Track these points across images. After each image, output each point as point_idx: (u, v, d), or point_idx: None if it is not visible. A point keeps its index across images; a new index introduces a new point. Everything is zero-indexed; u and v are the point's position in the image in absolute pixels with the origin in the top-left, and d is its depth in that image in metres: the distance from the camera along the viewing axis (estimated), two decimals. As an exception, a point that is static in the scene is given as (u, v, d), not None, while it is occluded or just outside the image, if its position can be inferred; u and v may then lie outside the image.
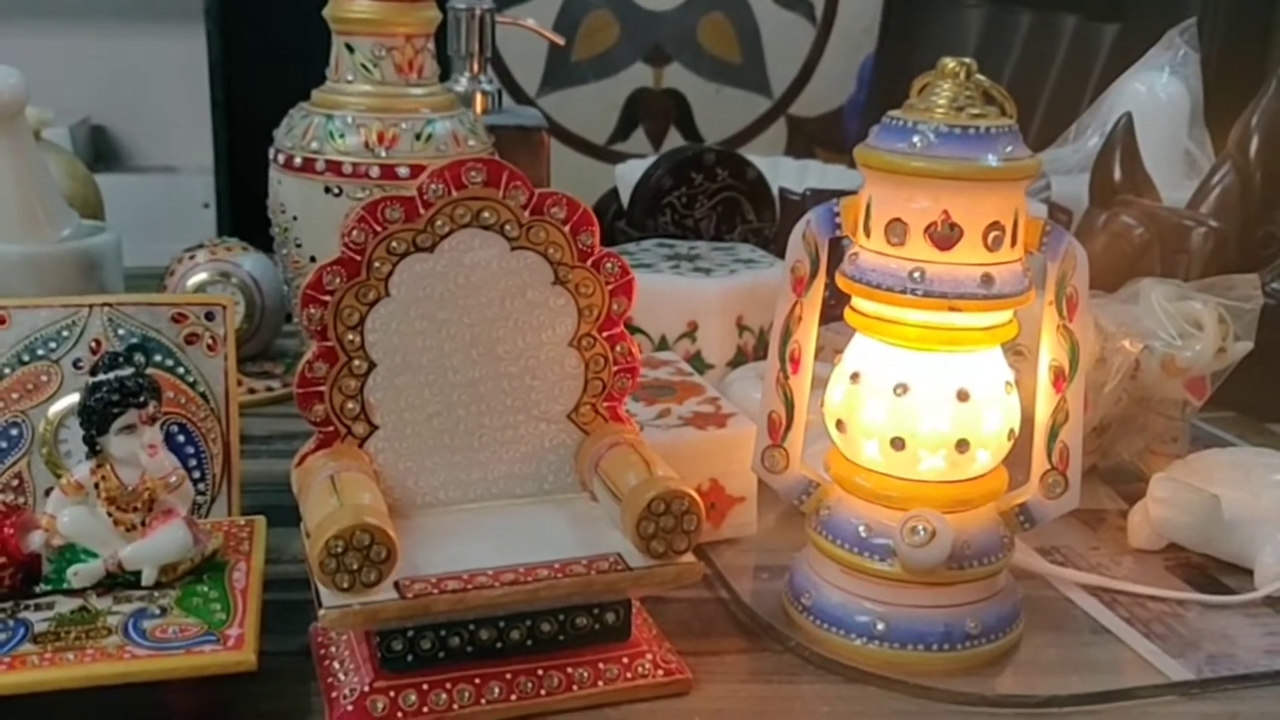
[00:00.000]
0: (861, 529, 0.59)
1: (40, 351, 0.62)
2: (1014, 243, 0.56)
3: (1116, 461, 0.80)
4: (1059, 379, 0.58)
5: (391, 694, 0.52)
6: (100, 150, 2.15)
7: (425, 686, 0.53)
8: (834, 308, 0.61)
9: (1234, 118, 0.98)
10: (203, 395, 0.64)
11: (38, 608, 0.51)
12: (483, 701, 0.53)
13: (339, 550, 0.49)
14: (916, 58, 1.88)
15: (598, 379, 0.59)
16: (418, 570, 0.52)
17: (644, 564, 0.54)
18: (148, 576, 0.53)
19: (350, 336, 0.55)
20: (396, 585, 0.51)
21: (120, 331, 0.63)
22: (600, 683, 0.55)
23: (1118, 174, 0.99)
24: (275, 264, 0.86)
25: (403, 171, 0.73)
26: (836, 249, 0.59)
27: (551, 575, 0.52)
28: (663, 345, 0.83)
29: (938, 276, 0.55)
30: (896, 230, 0.55)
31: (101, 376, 0.52)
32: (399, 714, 0.52)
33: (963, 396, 0.57)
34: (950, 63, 0.56)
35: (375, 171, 0.73)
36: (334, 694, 0.53)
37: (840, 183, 1.14)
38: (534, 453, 0.59)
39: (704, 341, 0.83)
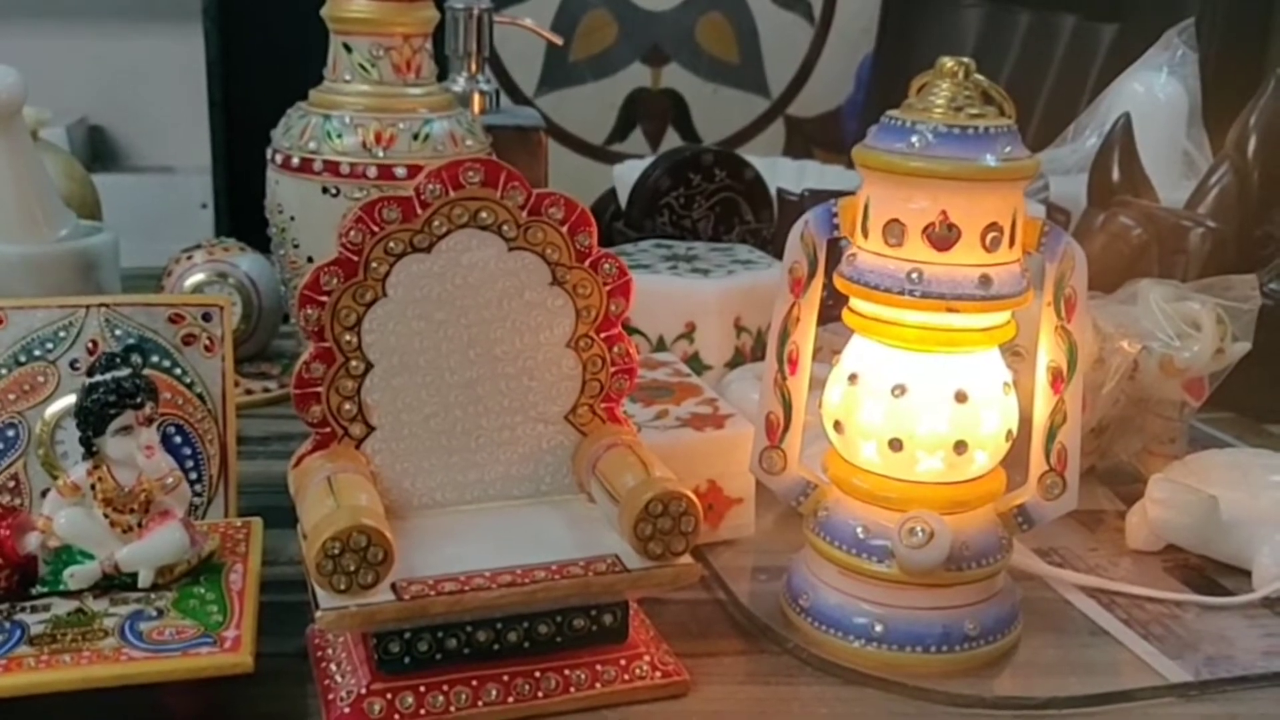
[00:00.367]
0: (859, 530, 0.59)
1: (37, 352, 0.62)
2: (1012, 243, 0.56)
3: (1114, 462, 0.80)
4: (1057, 380, 0.57)
5: (388, 696, 0.52)
6: (98, 150, 2.15)
7: (422, 688, 0.52)
8: (832, 308, 0.61)
9: (1232, 118, 0.98)
10: (200, 396, 0.64)
11: (34, 610, 0.51)
12: (480, 703, 0.53)
13: (336, 552, 0.49)
14: (915, 58, 1.88)
15: (595, 380, 0.59)
16: (415, 572, 0.52)
17: (641, 565, 0.53)
18: (144, 578, 0.53)
19: (347, 337, 0.55)
20: (393, 587, 0.50)
21: (117, 332, 0.63)
22: (598, 684, 0.55)
23: (1116, 174, 0.99)
24: (272, 264, 0.86)
25: (400, 171, 0.73)
26: (834, 250, 0.59)
27: (549, 577, 0.52)
28: (660, 346, 0.83)
29: (936, 277, 0.55)
30: (894, 231, 0.55)
31: (98, 377, 0.52)
32: (396, 716, 0.52)
33: (961, 398, 0.56)
34: (949, 62, 0.56)
35: (373, 171, 0.73)
36: (331, 696, 0.53)
37: (838, 183, 1.14)
38: (531, 454, 0.59)
39: (702, 342, 0.83)
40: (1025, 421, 0.59)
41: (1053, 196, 1.06)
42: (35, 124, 0.88)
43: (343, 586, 0.49)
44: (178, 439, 0.63)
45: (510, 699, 0.53)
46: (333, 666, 0.55)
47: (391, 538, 0.50)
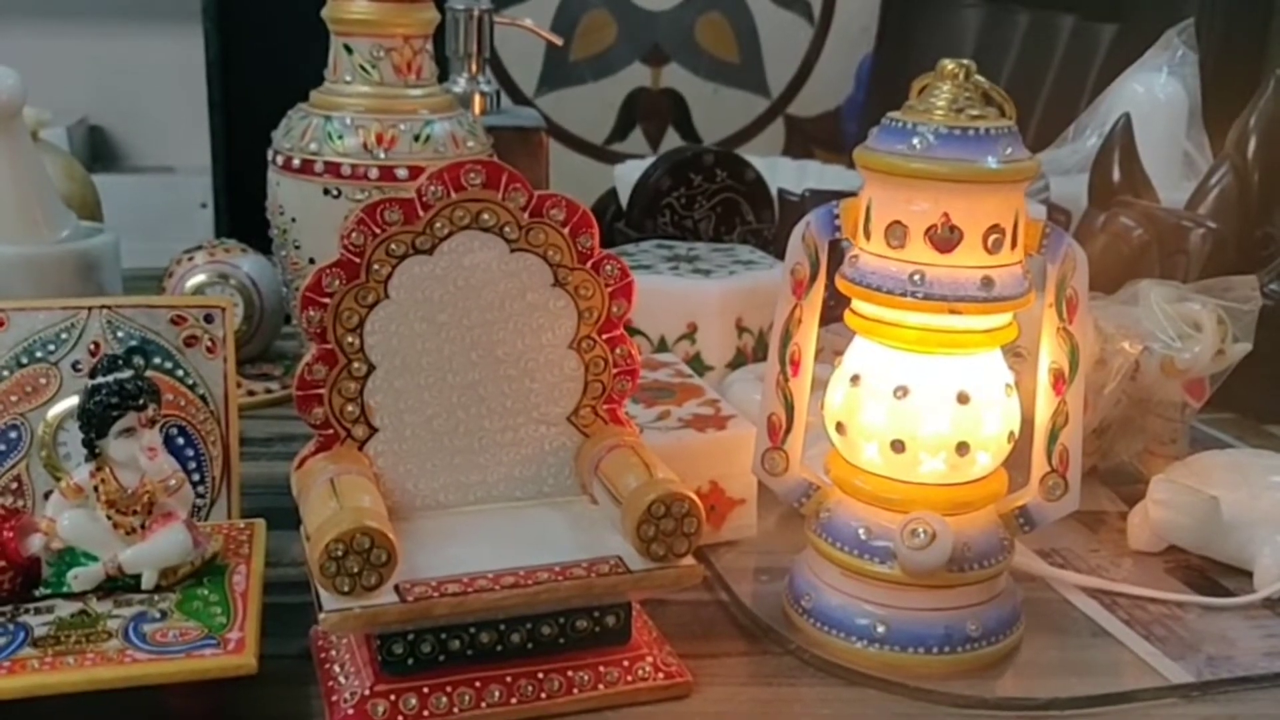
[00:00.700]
0: (861, 531, 0.59)
1: (39, 354, 0.62)
2: (1014, 245, 0.56)
3: (1116, 463, 0.80)
4: (1059, 381, 0.58)
5: (392, 697, 0.52)
6: (97, 150, 2.15)
7: (426, 690, 0.53)
8: (834, 309, 0.61)
9: (1232, 118, 0.98)
10: (202, 398, 0.64)
11: (37, 611, 0.51)
12: (483, 705, 0.53)
13: (339, 554, 0.49)
14: (914, 57, 1.88)
15: (597, 381, 0.59)
16: (418, 573, 0.52)
17: (644, 567, 0.54)
18: (148, 580, 0.53)
19: (350, 339, 0.55)
20: (397, 588, 0.51)
21: (119, 334, 0.63)
22: (600, 686, 0.55)
23: (1116, 175, 0.99)
24: (274, 265, 0.86)
25: (401, 173, 0.73)
26: (836, 251, 0.59)
27: (552, 578, 0.52)
28: (662, 347, 0.83)
29: (938, 279, 0.55)
30: (896, 233, 0.55)
31: (101, 379, 0.52)
32: (399, 717, 0.52)
33: (963, 399, 0.57)
34: (949, 64, 0.56)
35: (374, 173, 0.73)
36: (334, 697, 0.53)
37: (838, 183, 1.14)
38: (534, 455, 0.59)
39: (703, 343, 0.83)
40: (1027, 423, 0.59)
41: (1053, 197, 1.06)
42: (36, 125, 0.88)
43: (346, 588, 0.49)
44: (180, 440, 0.63)
45: (513, 700, 0.53)
46: (336, 668, 0.55)
47: (395, 539, 0.50)
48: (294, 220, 0.76)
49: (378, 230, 0.54)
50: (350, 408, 0.55)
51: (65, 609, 0.51)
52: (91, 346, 0.63)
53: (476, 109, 1.00)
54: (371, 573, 0.49)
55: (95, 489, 0.52)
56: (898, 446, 0.57)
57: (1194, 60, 1.16)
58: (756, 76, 2.33)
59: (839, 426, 0.59)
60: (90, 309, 0.63)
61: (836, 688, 0.57)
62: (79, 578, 0.52)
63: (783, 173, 1.18)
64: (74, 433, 0.56)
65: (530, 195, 0.55)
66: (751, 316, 0.84)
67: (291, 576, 0.62)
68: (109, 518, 0.52)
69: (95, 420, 0.52)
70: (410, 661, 0.52)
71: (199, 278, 0.89)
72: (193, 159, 2.07)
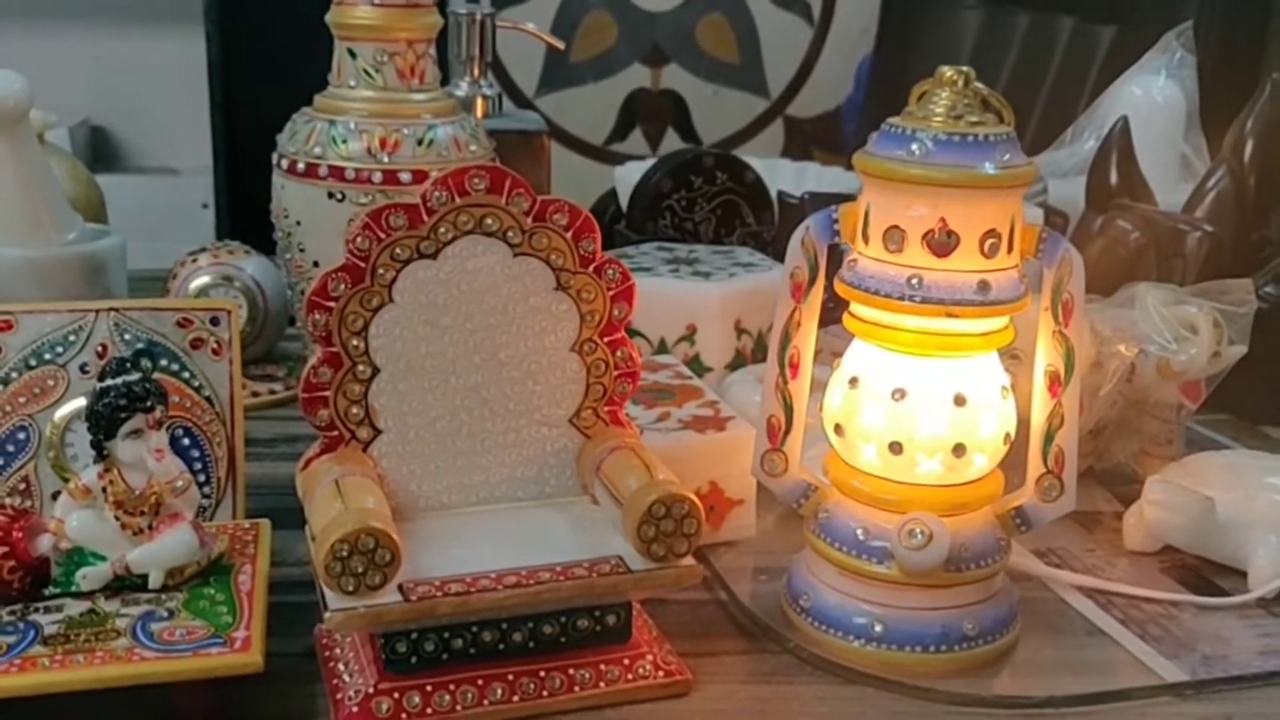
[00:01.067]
0: (859, 532, 0.59)
1: (47, 356, 0.63)
2: (1010, 249, 0.57)
3: (1112, 464, 0.80)
4: (1054, 384, 0.58)
5: (396, 695, 0.53)
6: (99, 151, 2.15)
7: (429, 688, 0.53)
8: (833, 311, 0.62)
9: (1229, 121, 0.98)
10: (208, 399, 0.64)
11: (47, 610, 0.52)
12: (485, 702, 0.54)
13: (344, 554, 0.49)
14: (914, 58, 1.88)
15: (599, 384, 0.59)
16: (421, 573, 0.52)
17: (644, 567, 0.54)
18: (155, 579, 0.53)
19: (354, 342, 0.55)
20: (400, 588, 0.51)
21: (126, 336, 0.64)
22: (601, 684, 0.55)
23: (1114, 178, 0.99)
24: (278, 267, 0.87)
25: (405, 177, 0.74)
26: (835, 254, 0.60)
27: (553, 578, 0.53)
28: (662, 348, 0.84)
29: (935, 283, 0.56)
30: (894, 237, 0.56)
31: (109, 382, 0.53)
32: (403, 715, 0.53)
33: (960, 401, 0.57)
34: (948, 70, 0.56)
35: (378, 177, 0.74)
36: (339, 695, 0.54)
37: (838, 185, 1.15)
38: (536, 456, 0.59)
39: (703, 345, 0.84)
40: (1023, 424, 0.60)
41: (1051, 199, 1.07)
42: (41, 127, 0.88)
43: (350, 588, 0.50)
44: (186, 442, 0.64)
45: (515, 698, 0.54)
46: (340, 666, 0.55)
47: (398, 539, 0.50)
48: (298, 223, 0.77)
49: (383, 235, 0.54)
50: (355, 410, 0.56)
51: (74, 608, 0.52)
52: (99, 349, 0.63)
53: (479, 113, 1.01)
54: (376, 573, 0.50)
55: (103, 490, 0.53)
56: (895, 448, 0.58)
57: (1192, 63, 1.17)
58: (756, 77, 2.33)
59: (837, 428, 0.60)
60: (98, 312, 0.64)
61: (834, 686, 0.58)
62: (87, 577, 0.53)
63: (782, 175, 1.19)
64: (81, 434, 0.57)
65: (533, 200, 0.56)
66: (751, 318, 0.85)
67: (296, 576, 0.63)
68: (117, 518, 0.53)
69: (103, 422, 0.53)
70: (414, 660, 0.53)
71: (203, 279, 0.89)
72: (194, 160, 2.08)
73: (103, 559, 0.53)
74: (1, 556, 0.52)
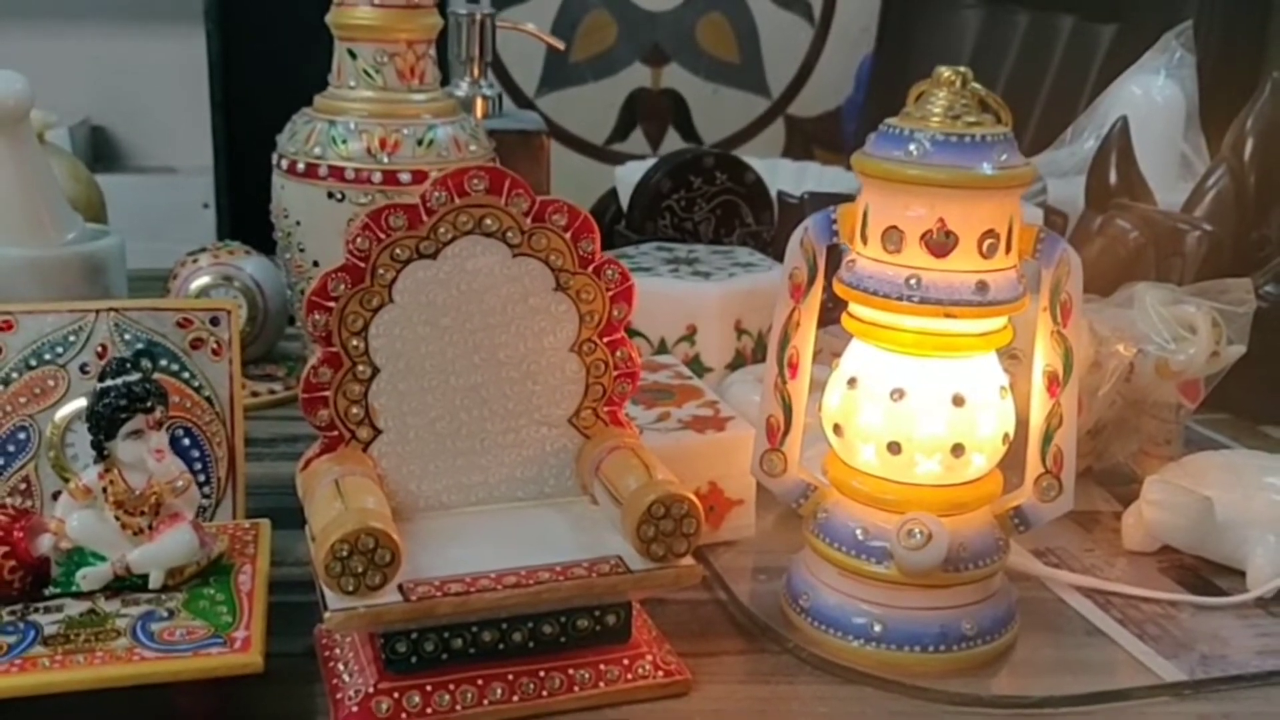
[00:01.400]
0: (858, 532, 0.60)
1: (47, 356, 0.63)
2: (1009, 250, 0.57)
3: (1111, 463, 0.80)
4: (1053, 384, 0.58)
5: (395, 695, 0.53)
6: (99, 151, 2.15)
7: (429, 688, 0.53)
8: (832, 311, 0.62)
9: (1229, 121, 0.99)
10: (208, 400, 0.64)
11: (47, 610, 0.52)
12: (485, 702, 0.54)
13: (344, 554, 0.50)
14: (914, 58, 1.89)
15: (598, 384, 0.59)
16: (421, 573, 0.52)
17: (644, 566, 0.54)
18: (155, 579, 0.53)
19: (354, 342, 0.55)
20: (400, 588, 0.51)
21: (126, 336, 0.64)
22: (601, 684, 0.56)
23: (1113, 177, 0.99)
24: (277, 267, 0.87)
25: (404, 177, 0.74)
26: (835, 254, 0.60)
27: (553, 578, 0.53)
28: (662, 348, 0.84)
29: (933, 283, 0.56)
30: (893, 237, 0.56)
31: (109, 382, 0.53)
32: (403, 715, 0.53)
33: (958, 401, 0.57)
34: (946, 71, 0.56)
35: (377, 177, 0.74)
36: (339, 695, 0.54)
37: (838, 185, 1.15)
38: (535, 456, 0.59)
39: (703, 345, 0.84)
40: (1022, 424, 0.60)
41: (1050, 199, 1.07)
42: (42, 127, 0.88)
43: (350, 588, 0.50)
44: (186, 442, 0.64)
45: (515, 698, 0.54)
46: (340, 666, 0.55)
47: (398, 539, 0.50)
48: (298, 224, 0.77)
49: (382, 235, 0.54)
50: (355, 410, 0.56)
51: (74, 608, 0.52)
52: (99, 349, 0.63)
53: (479, 113, 1.01)
54: (375, 573, 0.50)
55: (104, 490, 0.53)
56: (894, 448, 0.58)
57: (1192, 63, 1.17)
58: (757, 77, 2.33)
59: (836, 428, 0.60)
60: (98, 312, 0.64)
61: (833, 685, 0.58)
62: (88, 577, 0.53)
63: (782, 175, 1.19)
64: (81, 434, 0.57)
65: (533, 201, 0.56)
66: (750, 319, 0.85)
67: (296, 576, 0.63)
68: (117, 518, 0.53)
69: (104, 422, 0.53)
70: (413, 660, 0.53)
71: (203, 280, 0.89)
72: (195, 159, 2.08)
73: (103, 559, 0.53)
74: (2, 556, 0.52)
